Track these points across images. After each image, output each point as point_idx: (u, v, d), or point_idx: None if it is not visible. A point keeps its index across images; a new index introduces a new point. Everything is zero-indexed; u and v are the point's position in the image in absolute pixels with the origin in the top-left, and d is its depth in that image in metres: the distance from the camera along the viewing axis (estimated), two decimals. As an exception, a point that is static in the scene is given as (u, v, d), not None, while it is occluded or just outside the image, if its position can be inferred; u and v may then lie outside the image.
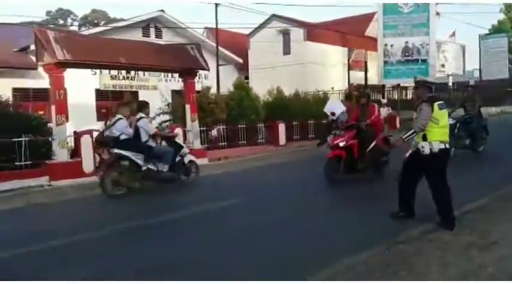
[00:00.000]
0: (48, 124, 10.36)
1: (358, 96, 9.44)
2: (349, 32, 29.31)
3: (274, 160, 12.04)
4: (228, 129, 13.92)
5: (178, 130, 12.06)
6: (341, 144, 7.88)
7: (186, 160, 8.93)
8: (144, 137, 8.34)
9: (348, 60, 29.81)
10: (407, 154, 5.36)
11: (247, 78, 28.84)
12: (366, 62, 29.33)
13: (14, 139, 9.21)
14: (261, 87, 17.34)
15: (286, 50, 27.46)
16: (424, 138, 5.08)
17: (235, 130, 13.92)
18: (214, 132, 14.59)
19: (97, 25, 34.42)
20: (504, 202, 6.00)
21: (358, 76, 29.94)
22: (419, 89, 5.44)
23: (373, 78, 25.63)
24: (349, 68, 29.94)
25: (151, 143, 8.55)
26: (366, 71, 28.83)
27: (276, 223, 5.45)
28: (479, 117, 10.86)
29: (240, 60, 23.14)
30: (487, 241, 4.44)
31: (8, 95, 14.92)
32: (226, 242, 4.83)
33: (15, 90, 15.59)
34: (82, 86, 16.11)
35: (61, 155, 9.74)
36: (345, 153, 7.88)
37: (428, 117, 5.05)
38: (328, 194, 7.56)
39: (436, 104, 5.13)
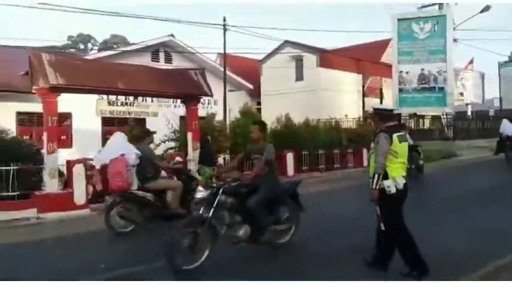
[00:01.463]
0: (42, 151, 9.85)
1: None
2: (363, 59, 28.77)
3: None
4: (232, 158, 13.22)
5: (178, 159, 11.48)
6: None
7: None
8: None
9: (363, 86, 29.18)
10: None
11: (259, 104, 28.46)
12: (381, 89, 28.64)
13: (1, 168, 8.73)
14: (273, 113, 16.75)
15: (299, 76, 27.01)
16: (385, 176, 4.52)
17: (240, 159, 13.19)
18: (219, 161, 13.94)
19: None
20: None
21: (373, 104, 29.12)
22: (376, 118, 4.87)
23: (389, 106, 24.84)
24: (364, 95, 29.26)
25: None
26: (381, 98, 28.10)
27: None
28: None
29: (251, 86, 22.68)
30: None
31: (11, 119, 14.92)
32: None
33: (19, 114, 15.37)
34: (88, 111, 15.89)
35: (51, 185, 9.19)
36: None
37: (386, 152, 4.54)
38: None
39: (395, 136, 4.61)
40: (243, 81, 22.22)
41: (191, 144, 11.62)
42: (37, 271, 5.14)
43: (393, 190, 4.51)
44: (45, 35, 51.10)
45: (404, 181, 4.59)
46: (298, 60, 27.01)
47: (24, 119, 15.48)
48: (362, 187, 11.67)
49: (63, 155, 10.58)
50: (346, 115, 23.64)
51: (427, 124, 26.52)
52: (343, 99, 26.90)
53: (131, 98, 11.55)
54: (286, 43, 27.20)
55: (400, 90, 21.14)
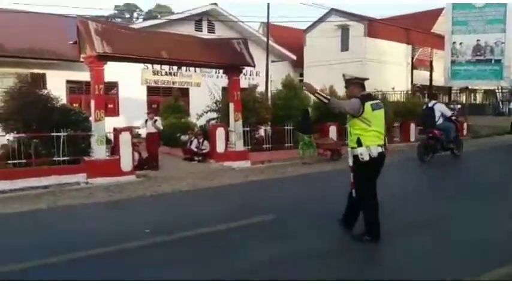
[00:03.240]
0: (90, 119, 10.17)
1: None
2: (413, 28, 27.35)
3: (324, 167, 10.92)
4: (273, 130, 13.15)
5: (220, 130, 11.55)
6: None
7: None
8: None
9: (412, 58, 27.89)
10: (350, 166, 4.87)
11: (302, 75, 27.94)
12: (431, 61, 27.24)
13: (52, 134, 9.10)
14: (316, 85, 16.29)
15: (344, 46, 26.16)
16: (359, 144, 4.62)
17: (281, 131, 13.08)
18: (261, 132, 13.91)
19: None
20: None
21: (422, 77, 27.95)
22: (349, 88, 4.86)
23: (439, 79, 23.65)
24: (413, 67, 28.01)
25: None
26: (431, 71, 26.77)
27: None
28: None
29: (294, 57, 22.20)
30: None
31: (62, 87, 15.49)
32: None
33: (68, 82, 15.91)
34: (133, 81, 16.14)
35: (99, 152, 9.49)
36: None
37: (352, 109, 4.60)
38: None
39: (368, 103, 4.60)
40: (286, 52, 21.76)
41: (233, 115, 11.60)
42: (84, 233, 5.35)
43: (366, 157, 4.60)
44: (93, 4, 52.21)
45: (379, 150, 4.64)
46: (344, 30, 26.09)
47: (74, 87, 16.03)
48: (409, 161, 11.53)
49: (111, 123, 10.92)
50: (393, 88, 22.74)
51: (479, 98, 25.11)
52: (391, 71, 25.88)
53: (175, 68, 11.54)
54: (332, 11, 26.30)
55: (453, 62, 19.95)
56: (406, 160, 11.48)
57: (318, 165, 11.30)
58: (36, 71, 14.25)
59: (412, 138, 16.84)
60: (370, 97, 4.78)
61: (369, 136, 4.61)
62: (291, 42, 25.56)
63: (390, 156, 5.70)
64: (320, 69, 24.87)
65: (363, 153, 4.60)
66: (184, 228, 5.33)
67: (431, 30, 28.38)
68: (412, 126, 17.00)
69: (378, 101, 4.79)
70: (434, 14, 28.36)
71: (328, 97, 4.75)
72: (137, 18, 55.99)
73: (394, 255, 4.54)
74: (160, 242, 4.90)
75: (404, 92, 21.20)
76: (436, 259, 4.29)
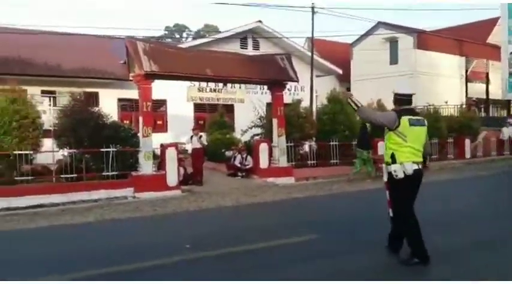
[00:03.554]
0: (138, 135, 10.48)
1: None
2: (467, 39, 26.20)
3: (370, 185, 10.54)
4: (318, 145, 12.93)
5: (263, 146, 11.50)
6: None
7: None
8: None
9: (466, 71, 26.66)
10: (385, 183, 4.72)
11: (349, 89, 27.51)
12: (487, 73, 25.93)
13: (102, 150, 9.45)
14: (363, 99, 15.95)
15: (393, 59, 25.50)
16: (394, 160, 4.45)
17: (327, 147, 12.83)
18: (305, 148, 13.72)
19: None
20: None
21: (477, 90, 26.63)
22: (395, 102, 4.76)
23: (497, 92, 22.39)
24: (467, 80, 26.75)
25: None
26: (487, 83, 25.50)
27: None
28: None
29: (340, 71, 21.91)
30: None
31: (114, 105, 16.17)
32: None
33: (120, 100, 16.58)
34: (181, 98, 16.58)
35: (146, 167, 9.75)
36: None
37: (387, 120, 4.52)
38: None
39: (405, 118, 4.45)
40: (332, 66, 21.52)
41: (276, 130, 11.54)
42: (125, 247, 5.42)
43: (400, 175, 4.42)
44: (144, 26, 54.97)
45: (414, 167, 4.42)
46: (393, 42, 25.48)
47: (125, 105, 16.66)
48: (466, 181, 10.91)
49: (160, 139, 11.23)
50: (447, 102, 21.77)
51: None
52: (443, 84, 24.84)
53: (220, 85, 11.73)
54: (380, 24, 25.80)
55: (511, 74, 18.84)
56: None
57: (363, 182, 10.92)
58: (89, 89, 14.96)
59: (468, 155, 15.94)
60: (409, 112, 4.60)
61: (403, 152, 4.44)
62: (337, 57, 25.30)
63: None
64: (368, 83, 24.35)
65: (397, 170, 4.43)
66: (225, 244, 5.27)
67: (487, 41, 27.09)
68: (467, 141, 16.11)
69: (418, 117, 4.60)
70: (489, 24, 27.08)
71: (359, 104, 4.65)
72: (186, 38, 57.95)
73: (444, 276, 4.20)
74: (199, 258, 4.86)
75: (458, 106, 20.17)
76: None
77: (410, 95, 4.78)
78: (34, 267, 4.66)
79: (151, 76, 9.81)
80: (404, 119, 4.43)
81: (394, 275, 4.26)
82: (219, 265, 4.65)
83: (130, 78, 10.78)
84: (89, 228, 6.65)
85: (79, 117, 9.55)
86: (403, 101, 4.67)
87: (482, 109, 25.20)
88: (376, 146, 12.97)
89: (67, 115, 9.71)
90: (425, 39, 25.03)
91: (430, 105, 18.52)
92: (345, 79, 26.53)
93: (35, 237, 6.14)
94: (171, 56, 10.35)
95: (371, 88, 21.47)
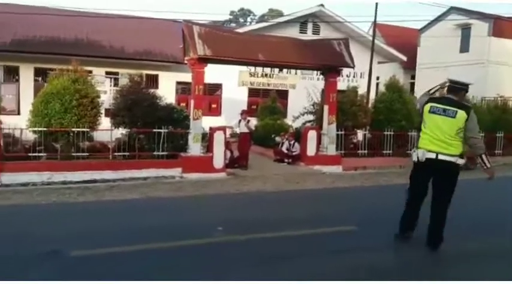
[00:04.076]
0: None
1: None
2: (552, 26, 23.74)
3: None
4: (371, 135, 12.47)
5: (312, 133, 11.32)
6: None
7: None
8: None
9: (547, 60, 24.23)
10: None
11: (413, 77, 26.16)
12: None
13: (154, 130, 9.82)
14: (428, 87, 15.09)
15: (464, 47, 23.77)
16: (417, 145, 4.74)
17: (380, 137, 12.33)
18: (359, 137, 13.30)
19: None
20: None
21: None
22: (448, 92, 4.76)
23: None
24: (548, 70, 24.32)
25: None
26: None
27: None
28: None
29: (404, 58, 20.83)
30: None
31: (172, 88, 16.72)
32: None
33: (178, 83, 17.07)
34: (236, 82, 16.72)
35: (194, 149, 10.00)
36: None
37: (419, 105, 4.76)
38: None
39: (429, 104, 4.54)
40: (396, 52, 20.52)
41: (326, 118, 11.29)
42: (168, 223, 5.62)
43: (414, 158, 4.63)
44: (210, 10, 55.59)
45: (428, 155, 4.46)
46: (465, 29, 23.71)
47: (182, 88, 17.13)
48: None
49: (213, 122, 11.45)
50: (520, 94, 20.03)
51: None
52: (519, 75, 22.84)
53: (273, 70, 11.66)
54: (452, 9, 24.11)
55: None
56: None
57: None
58: (150, 72, 15.56)
59: (537, 150, 14.66)
60: (442, 99, 4.59)
61: (423, 138, 4.58)
62: (403, 43, 24.09)
63: None
64: (434, 72, 22.93)
65: (413, 154, 4.68)
66: (255, 229, 5.30)
67: None
68: (538, 136, 14.77)
69: (447, 107, 4.44)
70: None
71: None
72: (250, 22, 58.09)
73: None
74: (228, 241, 4.93)
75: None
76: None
77: (465, 84, 4.64)
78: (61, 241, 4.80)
79: (204, 61, 9.96)
80: (427, 105, 4.52)
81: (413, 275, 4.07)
82: (244, 251, 4.68)
83: (185, 62, 11.01)
84: (131, 205, 6.99)
85: (134, 98, 9.95)
86: (455, 89, 4.61)
87: None
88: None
89: (123, 96, 10.17)
90: (502, 26, 22.99)
91: (501, 97, 17.19)
92: (410, 66, 25.25)
93: (76, 211, 6.51)
94: (225, 40, 10.41)
95: (438, 77, 20.09)
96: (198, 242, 4.84)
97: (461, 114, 4.37)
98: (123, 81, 12.72)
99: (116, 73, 15.58)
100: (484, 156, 4.48)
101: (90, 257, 4.30)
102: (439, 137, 4.42)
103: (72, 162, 9.01)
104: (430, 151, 4.46)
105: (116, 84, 14.36)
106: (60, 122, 9.19)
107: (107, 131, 9.85)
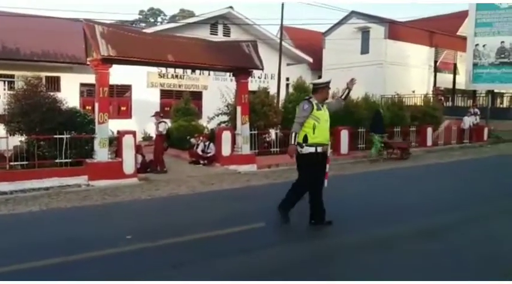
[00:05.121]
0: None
1: None
2: (437, 31, 26.54)
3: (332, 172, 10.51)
4: (282, 133, 12.87)
5: (226, 133, 11.38)
6: None
7: None
8: None
9: (435, 61, 27.06)
10: None
11: (320, 77, 27.56)
12: (455, 64, 26.40)
13: (55, 136, 9.13)
14: (334, 88, 15.96)
15: (365, 49, 25.65)
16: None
17: (290, 135, 12.74)
18: (272, 136, 13.66)
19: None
20: None
21: (446, 80, 27.12)
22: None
23: (464, 82, 22.88)
24: (436, 70, 27.19)
25: None
26: (454, 74, 25.99)
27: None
28: None
29: (310, 59, 21.86)
30: None
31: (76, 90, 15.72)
32: None
33: (82, 85, 16.10)
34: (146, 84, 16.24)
35: (101, 154, 9.47)
36: None
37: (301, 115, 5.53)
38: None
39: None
40: (303, 54, 21.46)
41: (240, 118, 11.42)
42: (70, 235, 5.24)
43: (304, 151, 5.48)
44: (119, 10, 53.18)
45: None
46: (365, 32, 25.59)
47: (87, 90, 16.19)
48: (433, 168, 11.15)
49: (123, 125, 10.90)
50: (414, 91, 22.09)
51: (506, 102, 24.11)
52: (413, 74, 25.20)
53: (183, 71, 11.48)
54: (353, 14, 25.85)
55: (475, 65, 19.23)
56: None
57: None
58: (50, 74, 14.47)
59: (429, 143, 16.28)
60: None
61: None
62: (309, 45, 25.27)
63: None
64: (339, 72, 24.37)
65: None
66: (164, 236, 5.15)
67: (458, 33, 27.49)
68: (429, 130, 16.44)
69: (317, 102, 5.48)
70: (460, 16, 27.43)
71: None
72: (161, 22, 56.78)
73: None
74: (137, 250, 4.73)
75: (424, 95, 20.47)
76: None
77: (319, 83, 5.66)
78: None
79: (108, 61, 9.47)
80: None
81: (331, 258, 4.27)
82: (155, 258, 4.52)
83: (88, 63, 10.40)
84: (28, 218, 6.39)
85: (31, 102, 9.16)
86: (317, 89, 5.57)
87: (450, 99, 25.73)
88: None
89: (18, 100, 9.31)
90: (396, 30, 25.21)
91: (397, 94, 18.79)
92: (317, 67, 26.57)
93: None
94: (131, 40, 10.00)
95: (342, 78, 21.41)
96: (105, 252, 4.58)
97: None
98: (20, 84, 11.68)
99: (11, 76, 14.25)
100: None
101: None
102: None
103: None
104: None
105: (11, 88, 13.11)
106: None
107: (2, 139, 8.96)
